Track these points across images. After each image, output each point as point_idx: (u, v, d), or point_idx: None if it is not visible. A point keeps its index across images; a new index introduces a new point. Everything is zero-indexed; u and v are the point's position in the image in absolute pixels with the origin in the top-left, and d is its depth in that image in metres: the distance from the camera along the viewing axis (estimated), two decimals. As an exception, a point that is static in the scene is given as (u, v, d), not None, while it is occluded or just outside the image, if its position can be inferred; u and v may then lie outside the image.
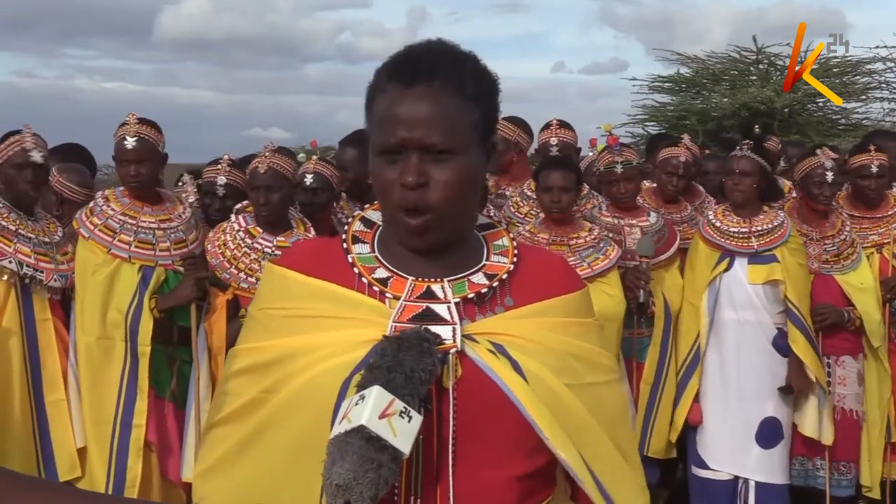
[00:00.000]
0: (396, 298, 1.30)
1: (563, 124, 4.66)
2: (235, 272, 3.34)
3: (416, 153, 1.27)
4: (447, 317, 1.28)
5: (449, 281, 1.32)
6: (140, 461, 3.21)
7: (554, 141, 4.55)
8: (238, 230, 3.39)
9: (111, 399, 3.21)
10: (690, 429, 3.90)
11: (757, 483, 3.80)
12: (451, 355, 1.24)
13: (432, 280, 1.32)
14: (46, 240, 3.27)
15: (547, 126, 4.66)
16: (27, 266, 3.14)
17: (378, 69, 1.34)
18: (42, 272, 3.18)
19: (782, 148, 5.24)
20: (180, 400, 3.37)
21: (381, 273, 1.33)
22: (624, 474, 1.33)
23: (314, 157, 3.79)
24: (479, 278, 1.34)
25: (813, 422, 3.80)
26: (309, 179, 3.68)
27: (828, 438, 3.80)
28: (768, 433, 3.80)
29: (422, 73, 1.28)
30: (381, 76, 1.32)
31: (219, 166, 3.84)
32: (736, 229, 3.80)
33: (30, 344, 3.18)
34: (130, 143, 3.27)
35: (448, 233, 1.32)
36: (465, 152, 1.29)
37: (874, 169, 3.98)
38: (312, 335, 1.28)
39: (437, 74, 1.28)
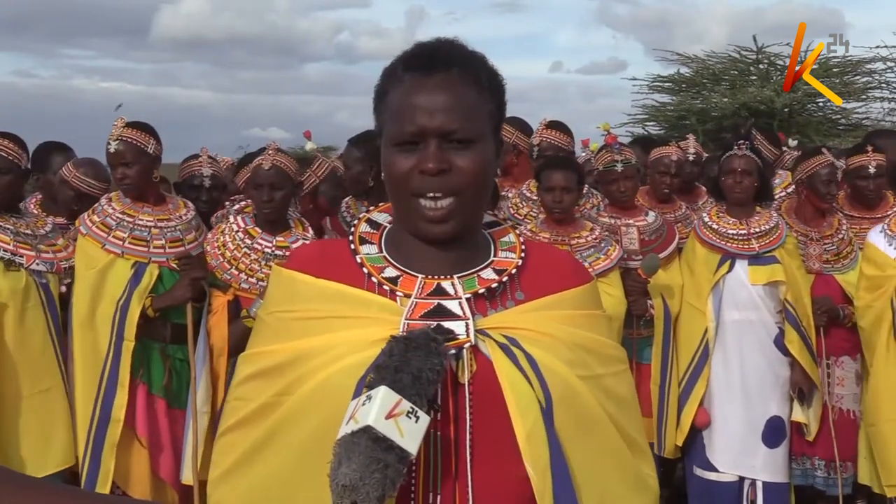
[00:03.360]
0: (407, 296, 1.30)
1: (554, 125, 4.44)
2: (236, 273, 3.34)
3: (435, 140, 1.27)
4: (459, 312, 1.28)
5: (458, 277, 1.32)
6: (114, 456, 3.21)
7: (536, 141, 4.38)
8: (237, 231, 3.38)
9: (93, 390, 3.23)
10: (694, 430, 3.90)
11: (764, 483, 3.82)
12: (465, 350, 1.24)
13: (442, 277, 1.32)
14: (28, 232, 3.30)
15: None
16: (4, 251, 3.18)
17: (390, 65, 1.34)
18: (22, 257, 3.21)
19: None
20: (172, 396, 3.37)
21: (391, 272, 1.33)
22: (626, 467, 1.33)
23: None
24: (488, 274, 1.34)
25: (807, 414, 3.84)
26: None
27: (811, 434, 3.85)
28: (774, 432, 3.82)
29: (440, 63, 1.29)
30: (397, 69, 1.32)
31: (199, 159, 3.89)
32: (734, 231, 3.81)
33: (56, 330, 3.26)
34: (113, 146, 3.32)
35: (466, 221, 1.32)
36: (483, 141, 1.30)
37: (871, 170, 3.99)
38: (324, 336, 1.28)
39: (454, 63, 1.29)
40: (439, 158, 1.26)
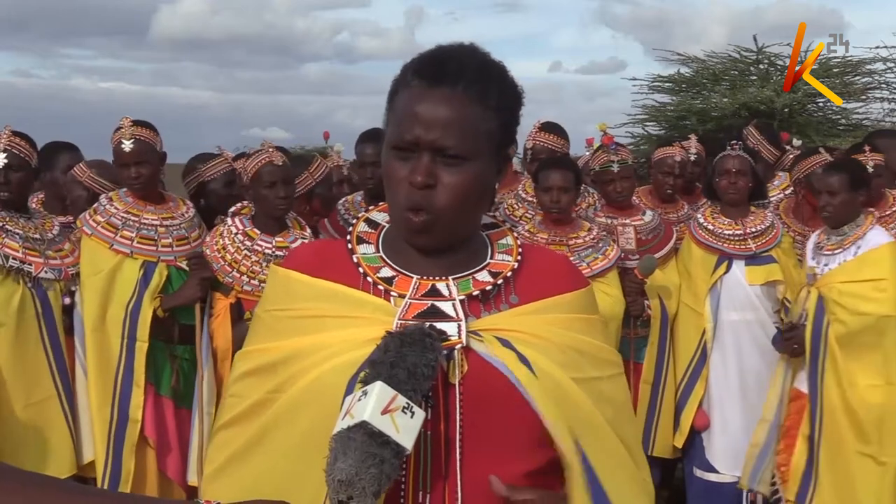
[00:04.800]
0: (401, 297, 1.31)
1: (548, 128, 4.29)
2: (238, 275, 3.33)
3: (428, 153, 1.28)
4: (452, 313, 1.29)
5: (454, 279, 1.33)
6: (133, 456, 3.25)
7: (529, 144, 4.32)
8: (236, 233, 3.38)
9: (109, 393, 3.26)
10: (693, 432, 3.92)
11: None
12: (456, 351, 1.25)
13: (437, 278, 1.33)
14: (37, 236, 3.32)
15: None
16: (13, 259, 3.19)
17: (406, 63, 1.35)
18: (31, 265, 3.23)
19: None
20: (180, 397, 3.39)
21: (386, 272, 1.34)
22: (627, 468, 1.34)
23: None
24: (483, 276, 1.35)
25: None
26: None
27: None
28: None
29: (447, 75, 1.29)
30: (408, 71, 1.33)
31: (219, 159, 3.90)
32: (730, 232, 3.83)
33: (52, 339, 3.26)
34: (128, 145, 3.32)
35: (450, 235, 1.33)
36: (477, 159, 1.30)
37: (870, 169, 4.00)
38: (318, 335, 1.29)
39: (462, 78, 1.29)
40: (427, 172, 1.27)
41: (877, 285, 3.41)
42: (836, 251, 3.53)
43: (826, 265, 3.54)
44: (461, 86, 1.29)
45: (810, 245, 3.68)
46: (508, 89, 1.36)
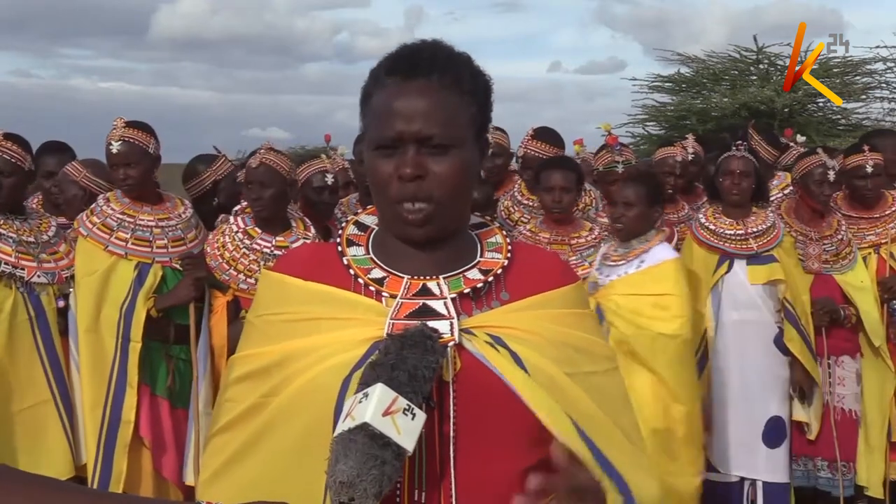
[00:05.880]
0: (393, 297, 1.31)
1: (541, 135, 4.26)
2: (235, 273, 3.34)
3: (413, 146, 1.28)
4: (444, 312, 1.29)
5: (444, 278, 1.33)
6: (126, 457, 3.23)
7: (521, 153, 4.28)
8: (237, 231, 3.39)
9: (102, 393, 3.25)
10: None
11: (764, 483, 3.83)
12: (449, 348, 1.25)
13: (427, 277, 1.33)
14: (31, 240, 3.30)
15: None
16: (5, 264, 3.19)
17: (374, 68, 1.35)
18: (23, 270, 3.22)
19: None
20: (176, 397, 3.38)
21: (377, 273, 1.34)
22: (632, 454, 1.33)
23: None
24: (474, 274, 1.35)
25: (808, 413, 3.85)
26: (329, 179, 3.78)
27: (813, 433, 3.86)
28: (774, 433, 3.82)
29: (420, 67, 1.30)
30: (379, 72, 1.34)
31: (222, 158, 3.89)
32: (732, 231, 3.82)
33: (46, 343, 3.25)
34: (115, 147, 3.30)
35: (446, 224, 1.33)
36: (462, 146, 1.31)
37: (869, 169, 4.00)
38: (311, 338, 1.29)
39: (435, 68, 1.30)
40: (416, 164, 1.28)
41: (658, 301, 3.36)
42: (620, 263, 3.48)
43: (608, 276, 3.49)
44: (435, 76, 1.30)
45: (598, 256, 3.63)
46: (479, 75, 1.37)
